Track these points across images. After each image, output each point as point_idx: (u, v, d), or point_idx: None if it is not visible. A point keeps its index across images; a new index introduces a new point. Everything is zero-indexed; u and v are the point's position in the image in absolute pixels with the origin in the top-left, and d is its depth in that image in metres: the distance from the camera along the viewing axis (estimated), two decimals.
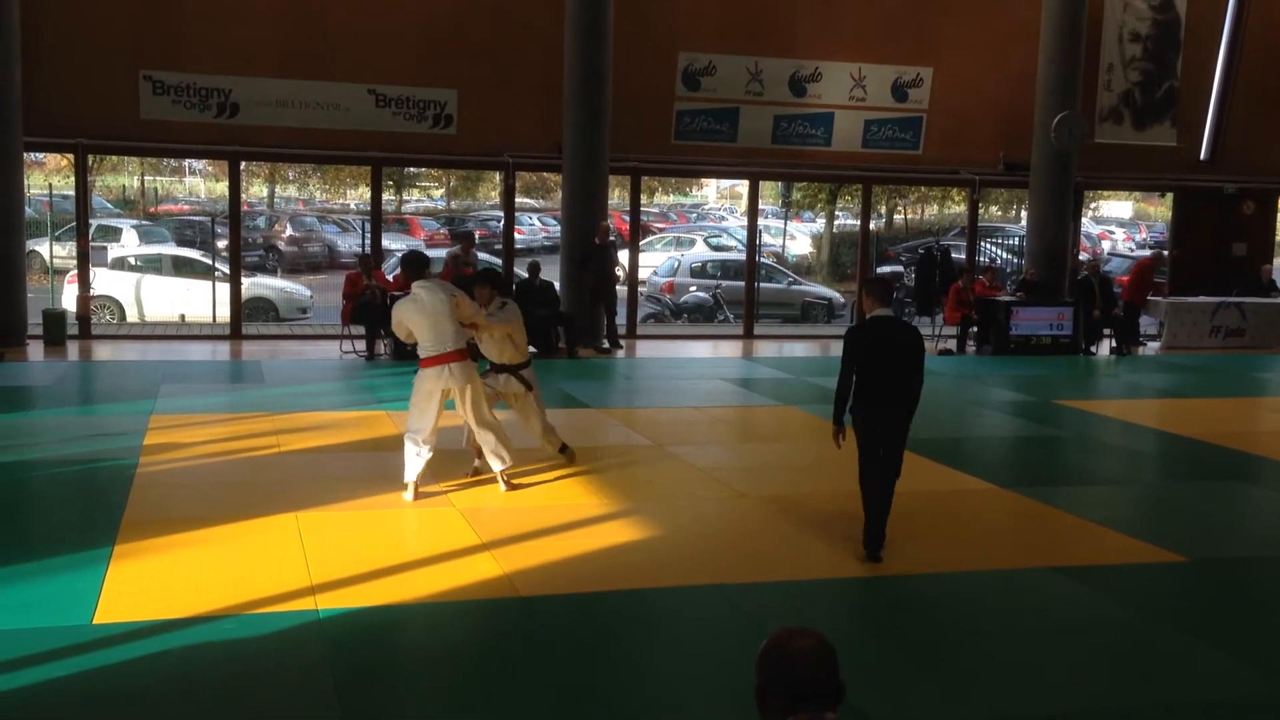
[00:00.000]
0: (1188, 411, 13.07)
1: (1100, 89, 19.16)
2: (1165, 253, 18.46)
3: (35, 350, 15.06)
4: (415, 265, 8.53)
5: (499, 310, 8.82)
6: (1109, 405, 13.22)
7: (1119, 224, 42.24)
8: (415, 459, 8.19)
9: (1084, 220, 25.84)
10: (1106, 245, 35.34)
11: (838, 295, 23.49)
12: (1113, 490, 9.45)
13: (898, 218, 38.60)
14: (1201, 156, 20.11)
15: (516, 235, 20.96)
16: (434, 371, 8.19)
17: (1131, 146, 19.57)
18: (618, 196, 27.77)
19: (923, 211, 39.92)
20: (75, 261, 17.08)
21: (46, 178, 28.32)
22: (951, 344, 17.47)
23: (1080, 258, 20.54)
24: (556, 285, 16.48)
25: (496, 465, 8.46)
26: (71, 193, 17.86)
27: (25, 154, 15.75)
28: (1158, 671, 5.74)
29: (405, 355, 14.72)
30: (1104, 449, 11.04)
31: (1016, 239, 23.42)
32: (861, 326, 7.54)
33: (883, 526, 7.16)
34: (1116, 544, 7.73)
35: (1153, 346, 18.59)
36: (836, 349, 18.02)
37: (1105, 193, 38.68)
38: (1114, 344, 17.78)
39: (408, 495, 8.18)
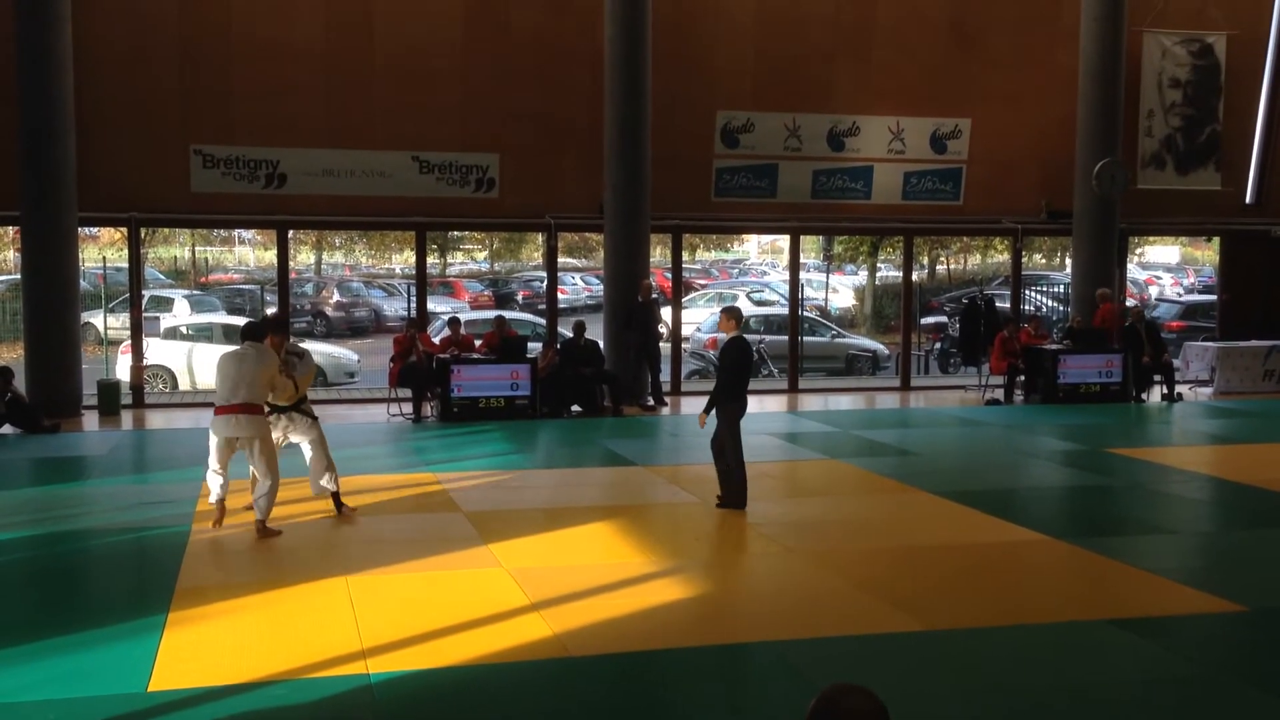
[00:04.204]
0: (1243, 457, 12.85)
1: (1141, 135, 19.11)
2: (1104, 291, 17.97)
3: (90, 420, 15.31)
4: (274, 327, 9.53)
5: (299, 361, 9.41)
6: (1162, 453, 13.03)
7: (1166, 269, 41.85)
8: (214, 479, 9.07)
9: (1130, 265, 25.64)
10: (1153, 290, 35.01)
11: (882, 347, 23.40)
12: (1168, 539, 9.30)
13: (940, 268, 38.50)
14: (1247, 200, 19.94)
15: (560, 295, 21.12)
16: (221, 420, 8.90)
17: (1175, 191, 19.45)
18: (659, 254, 27.91)
19: (965, 261, 39.79)
20: (129, 332, 17.41)
21: (100, 251, 28.97)
22: (999, 394, 17.33)
23: (1127, 304, 20.35)
24: (600, 344, 16.57)
25: (263, 510, 8.95)
26: (125, 265, 18.25)
27: (80, 228, 16.13)
28: None
29: (452, 418, 14.87)
30: (1158, 497, 10.86)
31: (1061, 286, 23.28)
32: (735, 342, 9.81)
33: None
34: (1174, 594, 7.60)
35: (1204, 392, 18.34)
36: (883, 401, 18.14)
37: (1151, 238, 38.38)
38: (1165, 390, 17.55)
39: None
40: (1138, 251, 39.82)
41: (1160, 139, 19.32)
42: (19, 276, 17.40)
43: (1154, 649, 6.59)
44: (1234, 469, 12.04)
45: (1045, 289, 24.35)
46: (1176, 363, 18.50)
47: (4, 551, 8.56)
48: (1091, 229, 18.14)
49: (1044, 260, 37.93)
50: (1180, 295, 32.84)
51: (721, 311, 10.39)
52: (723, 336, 10.06)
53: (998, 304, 19.79)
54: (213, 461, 9.02)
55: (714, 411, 9.84)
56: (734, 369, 9.78)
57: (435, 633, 6.70)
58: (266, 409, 9.13)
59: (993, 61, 18.63)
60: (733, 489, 9.83)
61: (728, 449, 9.78)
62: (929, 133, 18.57)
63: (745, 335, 10.10)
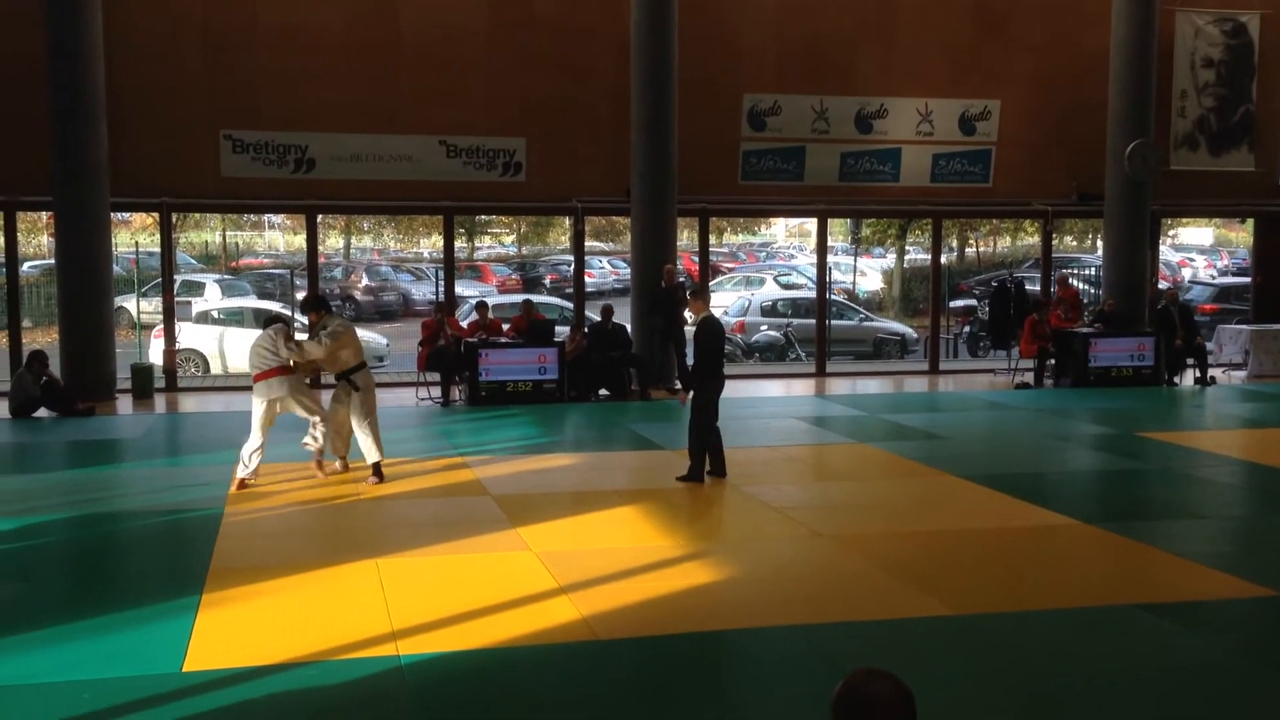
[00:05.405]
0: (1276, 441, 12.74)
1: (1174, 116, 18.90)
2: (1068, 275, 17.61)
3: (124, 404, 15.48)
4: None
5: (326, 334, 10.21)
6: (1193, 436, 12.94)
7: (1199, 251, 41.42)
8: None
9: (1162, 248, 25.37)
10: (1187, 273, 34.67)
11: (910, 331, 23.31)
12: (1199, 524, 9.24)
13: (969, 251, 38.25)
14: None
15: (587, 279, 21.13)
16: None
17: (1208, 172, 19.24)
18: (686, 237, 27.88)
19: (995, 244, 39.53)
20: (161, 316, 17.57)
21: (133, 236, 29.22)
22: (1029, 377, 17.23)
23: (1159, 286, 20.17)
24: (628, 328, 16.59)
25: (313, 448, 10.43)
26: (156, 250, 18.41)
27: (112, 213, 16.28)
28: (1252, 709, 5.59)
29: (480, 401, 14.94)
30: (1189, 481, 10.79)
31: (1092, 269, 23.11)
32: (707, 322, 10.04)
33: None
34: (1204, 579, 7.56)
35: (1238, 375, 18.18)
36: (911, 385, 18.03)
37: (1184, 220, 37.99)
38: (1197, 374, 17.40)
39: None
40: (1170, 233, 39.42)
41: (1193, 120, 19.11)
42: (53, 261, 17.59)
43: (1184, 633, 6.57)
44: (1267, 453, 11.94)
45: (1076, 271, 24.16)
46: (1210, 346, 18.34)
47: (40, 534, 8.69)
48: (1123, 211, 17.97)
49: (1075, 242, 37.63)
50: (1214, 278, 32.50)
51: (689, 294, 10.65)
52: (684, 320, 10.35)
53: (1027, 287, 19.66)
54: None
55: (693, 390, 10.19)
56: (712, 354, 9.99)
57: (464, 615, 6.75)
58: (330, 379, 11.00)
59: (1022, 42, 18.47)
60: (701, 462, 10.20)
61: (700, 426, 10.05)
62: (957, 114, 18.44)
63: (711, 313, 10.42)
